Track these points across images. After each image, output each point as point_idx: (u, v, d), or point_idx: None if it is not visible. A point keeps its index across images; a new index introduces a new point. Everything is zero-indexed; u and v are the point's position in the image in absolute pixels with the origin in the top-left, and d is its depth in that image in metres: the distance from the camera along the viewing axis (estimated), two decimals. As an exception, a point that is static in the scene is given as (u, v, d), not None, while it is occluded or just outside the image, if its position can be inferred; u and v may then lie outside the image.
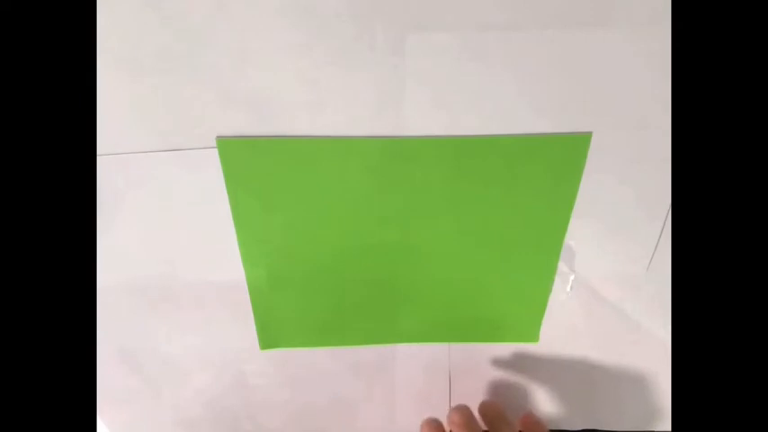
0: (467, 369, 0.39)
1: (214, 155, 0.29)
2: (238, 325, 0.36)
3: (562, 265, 0.33)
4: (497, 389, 0.39)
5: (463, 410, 0.34)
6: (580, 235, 0.32)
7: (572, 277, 0.34)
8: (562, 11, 0.25)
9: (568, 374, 0.38)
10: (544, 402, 0.40)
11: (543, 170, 0.29)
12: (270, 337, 0.36)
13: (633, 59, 0.26)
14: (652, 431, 0.41)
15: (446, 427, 0.35)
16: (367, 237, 0.32)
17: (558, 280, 0.34)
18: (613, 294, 0.35)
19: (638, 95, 0.27)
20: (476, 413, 0.35)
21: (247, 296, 0.34)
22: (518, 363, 0.38)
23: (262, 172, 0.30)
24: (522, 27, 0.25)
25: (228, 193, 0.30)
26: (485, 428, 0.35)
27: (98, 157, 0.29)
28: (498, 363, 0.35)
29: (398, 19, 0.25)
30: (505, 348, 0.37)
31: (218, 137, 0.28)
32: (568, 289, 0.34)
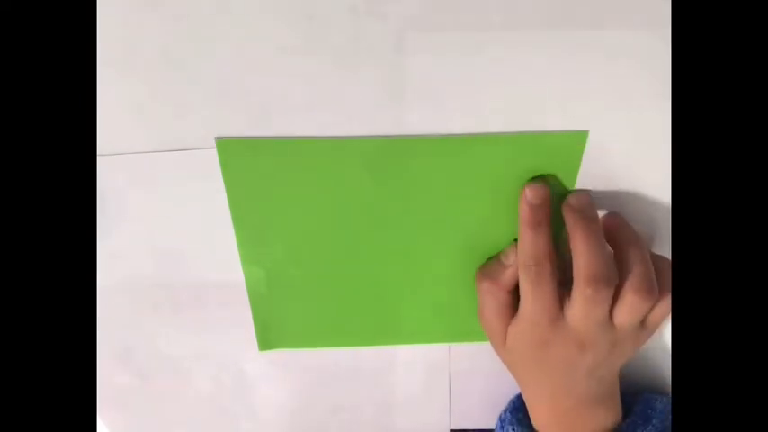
0: (467, 369, 0.39)
1: (214, 155, 0.29)
2: (238, 325, 0.36)
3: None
4: (498, 389, 0.39)
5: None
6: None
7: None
8: (561, 11, 0.25)
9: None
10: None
11: (540, 168, 0.29)
12: (269, 337, 0.36)
13: (633, 59, 0.26)
14: None
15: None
16: (366, 237, 0.32)
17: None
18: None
19: (637, 95, 0.27)
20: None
21: (247, 296, 0.34)
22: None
23: (261, 172, 0.30)
24: (521, 27, 0.25)
25: (228, 193, 0.30)
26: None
27: (98, 157, 0.29)
28: (498, 363, 0.35)
29: (398, 18, 0.25)
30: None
31: (217, 137, 0.28)
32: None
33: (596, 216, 0.29)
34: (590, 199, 0.29)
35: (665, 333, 0.36)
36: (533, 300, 0.30)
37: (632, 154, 0.29)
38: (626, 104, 0.28)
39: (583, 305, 0.28)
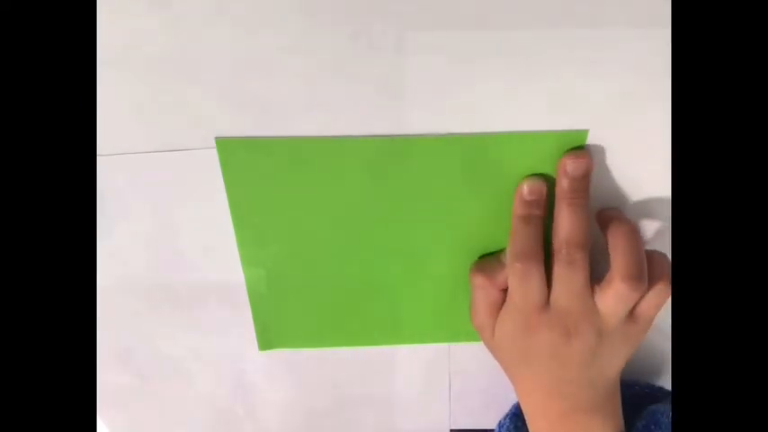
0: (467, 369, 0.39)
1: (214, 155, 0.29)
2: (238, 325, 0.36)
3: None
4: (498, 389, 0.39)
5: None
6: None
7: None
8: (561, 11, 0.25)
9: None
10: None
11: (540, 167, 0.29)
12: (269, 337, 0.36)
13: (633, 59, 0.26)
14: None
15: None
16: (366, 237, 0.32)
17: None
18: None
19: (636, 94, 0.27)
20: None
21: (247, 296, 0.34)
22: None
23: (261, 172, 0.30)
24: (521, 27, 0.25)
25: (228, 193, 0.30)
26: None
27: (98, 157, 0.29)
28: (498, 363, 0.35)
29: (397, 17, 0.25)
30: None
31: (217, 137, 0.28)
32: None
33: (587, 187, 0.29)
34: (588, 167, 0.29)
35: (666, 328, 0.36)
36: (521, 293, 0.30)
37: (632, 153, 0.29)
38: (626, 104, 0.28)
39: (560, 271, 0.29)
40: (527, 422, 0.34)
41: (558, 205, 0.29)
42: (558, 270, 0.29)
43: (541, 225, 0.30)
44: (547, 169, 0.30)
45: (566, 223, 0.29)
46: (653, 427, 0.33)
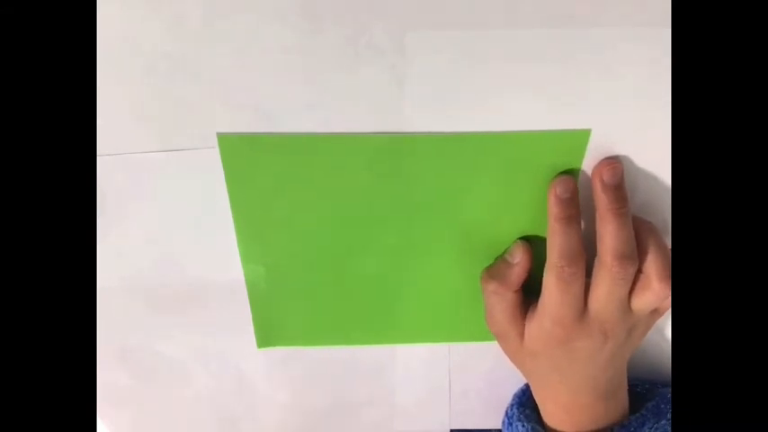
0: (467, 369, 0.39)
1: (214, 155, 0.29)
2: (238, 324, 0.36)
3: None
4: (499, 389, 0.39)
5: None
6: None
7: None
8: (561, 10, 0.25)
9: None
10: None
11: (541, 166, 0.29)
12: (267, 335, 0.36)
13: (633, 58, 0.26)
14: None
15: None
16: (367, 235, 0.32)
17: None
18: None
19: (638, 93, 0.27)
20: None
21: (247, 295, 0.34)
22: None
23: (262, 168, 0.29)
24: (521, 26, 0.25)
25: (228, 189, 0.30)
26: None
27: (98, 157, 0.29)
28: (498, 363, 0.35)
29: (397, 17, 0.25)
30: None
31: (218, 133, 0.28)
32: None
33: (627, 195, 0.29)
34: (622, 174, 0.29)
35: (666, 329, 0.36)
36: (561, 300, 0.29)
37: (634, 152, 0.29)
38: (627, 103, 0.28)
39: (608, 284, 0.28)
40: (542, 412, 0.34)
41: (603, 217, 0.29)
42: (604, 283, 0.29)
43: (580, 225, 0.29)
44: (548, 169, 0.30)
45: (614, 235, 0.28)
46: (663, 405, 0.33)
